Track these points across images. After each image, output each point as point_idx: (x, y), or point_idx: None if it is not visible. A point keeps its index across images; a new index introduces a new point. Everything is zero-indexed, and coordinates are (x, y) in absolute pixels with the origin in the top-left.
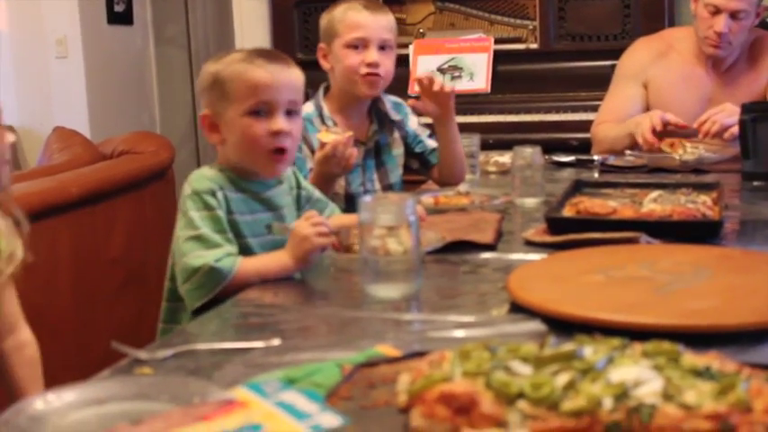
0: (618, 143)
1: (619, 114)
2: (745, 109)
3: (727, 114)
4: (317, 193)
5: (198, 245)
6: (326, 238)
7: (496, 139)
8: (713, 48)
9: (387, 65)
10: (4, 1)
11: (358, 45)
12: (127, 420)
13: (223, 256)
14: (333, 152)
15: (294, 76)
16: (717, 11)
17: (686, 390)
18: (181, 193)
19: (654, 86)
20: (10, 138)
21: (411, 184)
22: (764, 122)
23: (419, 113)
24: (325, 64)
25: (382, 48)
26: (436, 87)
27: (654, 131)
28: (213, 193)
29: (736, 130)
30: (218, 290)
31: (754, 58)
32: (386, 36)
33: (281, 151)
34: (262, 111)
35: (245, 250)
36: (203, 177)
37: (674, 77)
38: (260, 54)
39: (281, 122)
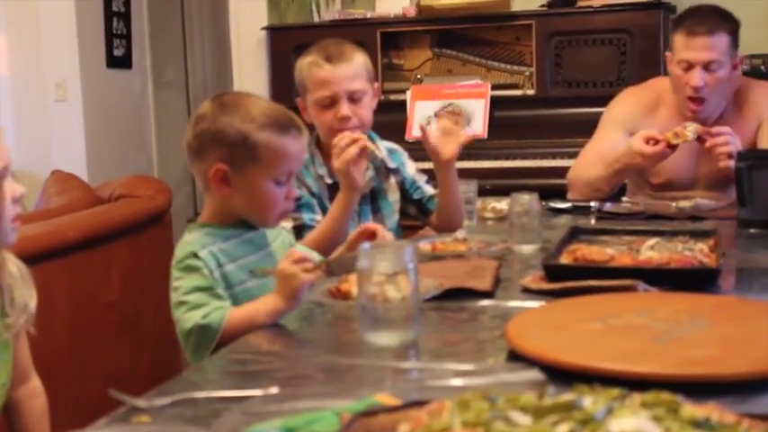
0: (601, 183)
1: (603, 159)
2: (741, 157)
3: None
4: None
5: (185, 308)
6: (312, 274)
7: (493, 184)
8: (693, 110)
9: (361, 114)
10: (5, 44)
11: (327, 104)
12: None
13: (211, 311)
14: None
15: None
16: (690, 66)
17: None
18: (173, 264)
19: None
20: (18, 189)
21: (408, 229)
22: (760, 170)
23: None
24: (306, 117)
25: (352, 99)
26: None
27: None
28: (195, 255)
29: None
30: (213, 345)
31: (740, 106)
32: (354, 87)
33: (286, 212)
34: (284, 179)
35: (243, 299)
36: (184, 244)
37: (664, 131)
38: (289, 124)
39: (295, 189)
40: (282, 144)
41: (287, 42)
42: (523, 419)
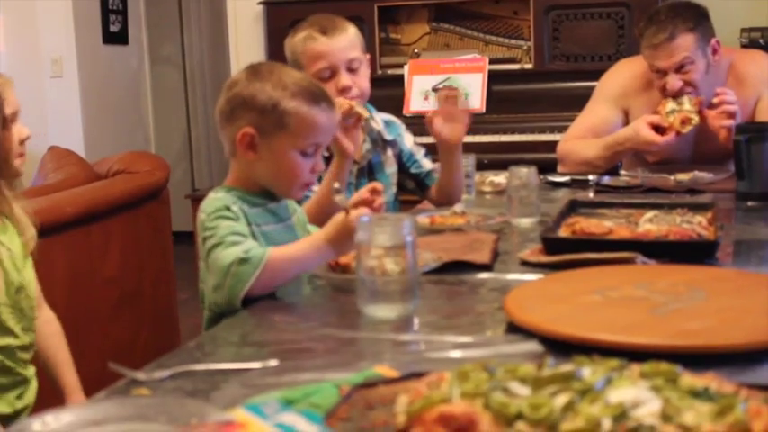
0: (598, 162)
1: (594, 133)
2: (739, 130)
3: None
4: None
5: (223, 246)
6: None
7: (491, 159)
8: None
9: (360, 84)
10: (1, 21)
11: (326, 76)
12: None
13: (251, 247)
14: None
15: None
16: (663, 72)
17: (685, 411)
18: (197, 225)
19: (636, 117)
20: (24, 132)
21: (406, 203)
22: (758, 143)
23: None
24: None
25: (351, 69)
26: (460, 106)
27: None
28: (229, 208)
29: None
30: (253, 280)
31: (737, 81)
32: (351, 56)
33: (309, 185)
34: (311, 150)
35: None
36: (214, 200)
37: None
38: (321, 96)
39: (322, 163)
40: (312, 114)
41: (284, 17)
42: (523, 390)
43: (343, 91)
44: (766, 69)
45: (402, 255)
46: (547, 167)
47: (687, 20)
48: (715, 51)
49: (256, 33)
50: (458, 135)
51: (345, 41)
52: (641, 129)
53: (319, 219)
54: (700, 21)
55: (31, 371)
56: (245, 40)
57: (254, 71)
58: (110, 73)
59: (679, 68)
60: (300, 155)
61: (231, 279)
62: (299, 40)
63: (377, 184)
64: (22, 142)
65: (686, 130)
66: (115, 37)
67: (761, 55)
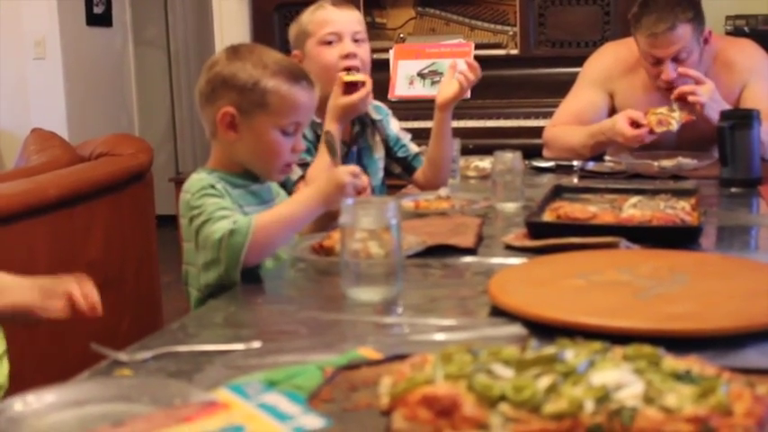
0: (583, 150)
1: (580, 118)
2: (723, 116)
3: (708, 97)
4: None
5: (211, 222)
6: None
7: (476, 144)
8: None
9: (363, 55)
10: None
11: (332, 40)
12: (107, 422)
13: (239, 218)
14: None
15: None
16: (658, 60)
17: (667, 393)
18: (181, 206)
19: (621, 100)
20: None
21: (392, 188)
22: (742, 130)
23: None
24: None
25: (356, 41)
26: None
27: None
28: (213, 186)
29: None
30: (246, 249)
31: (723, 69)
32: (357, 28)
33: (290, 165)
34: (291, 129)
35: None
36: (197, 180)
37: (642, 93)
38: (301, 75)
39: (302, 142)
40: (292, 93)
41: (269, 1)
42: (506, 372)
43: (348, 57)
44: (754, 58)
45: (386, 238)
46: (532, 152)
47: (686, 9)
48: (706, 41)
49: (241, 15)
50: (452, 90)
51: (353, 15)
52: (618, 120)
53: None
54: (697, 10)
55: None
56: (230, 21)
57: (233, 51)
58: (93, 55)
59: (676, 57)
60: (281, 134)
61: (225, 252)
62: (309, 11)
63: (355, 168)
64: None
65: (660, 130)
66: (99, 18)
67: (749, 44)
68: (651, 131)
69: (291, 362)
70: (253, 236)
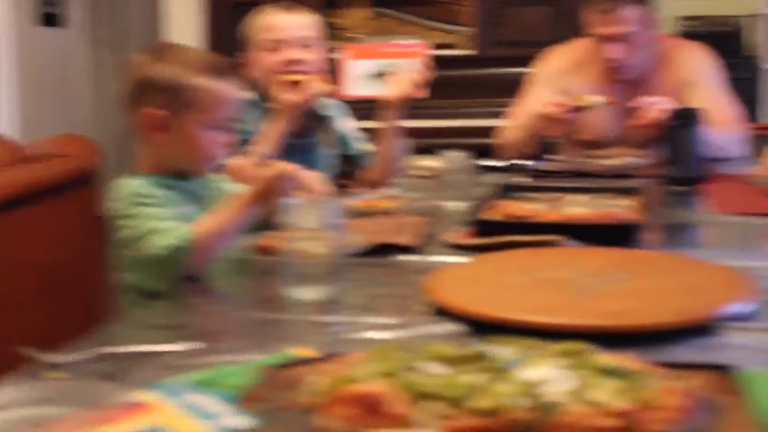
0: (523, 145)
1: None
2: (675, 115)
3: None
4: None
5: (148, 238)
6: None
7: (430, 143)
8: (615, 76)
9: (312, 60)
10: None
11: (275, 47)
12: (28, 425)
13: (176, 232)
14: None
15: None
16: (606, 39)
17: (595, 388)
18: (111, 213)
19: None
20: None
21: (341, 186)
22: (687, 129)
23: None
24: (248, 73)
25: (305, 46)
26: None
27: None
28: (146, 194)
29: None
30: (187, 265)
31: (665, 66)
32: (306, 34)
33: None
34: (220, 124)
35: None
36: (125, 185)
37: (591, 88)
38: (225, 69)
39: (234, 137)
40: (218, 88)
41: (225, 1)
42: (436, 369)
43: (290, 64)
44: (702, 61)
45: (327, 237)
46: (488, 152)
47: None
48: (653, 28)
49: (197, 16)
50: (401, 88)
51: (304, 20)
52: (541, 104)
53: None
54: None
55: None
56: (185, 23)
57: (155, 51)
58: (47, 55)
59: (624, 37)
60: (210, 130)
61: (166, 269)
62: (256, 16)
63: (286, 167)
64: None
65: (582, 104)
66: (52, 19)
67: (698, 47)
68: (573, 110)
69: (227, 362)
70: (192, 251)
